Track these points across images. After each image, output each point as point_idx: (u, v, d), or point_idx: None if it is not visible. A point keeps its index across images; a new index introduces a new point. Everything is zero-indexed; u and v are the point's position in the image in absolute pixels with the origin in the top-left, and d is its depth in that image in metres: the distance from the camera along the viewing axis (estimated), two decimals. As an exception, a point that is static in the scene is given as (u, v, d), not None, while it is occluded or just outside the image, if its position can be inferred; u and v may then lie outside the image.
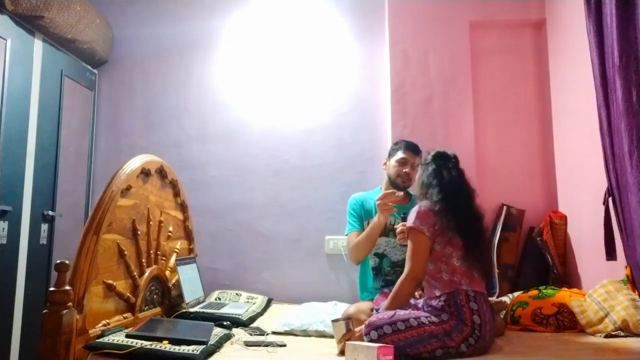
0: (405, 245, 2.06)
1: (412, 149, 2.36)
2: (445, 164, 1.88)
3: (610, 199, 2.03)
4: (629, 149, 1.79)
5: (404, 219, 2.04)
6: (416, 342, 1.60)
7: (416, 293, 1.96)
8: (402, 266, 2.28)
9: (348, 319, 1.78)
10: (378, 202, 2.19)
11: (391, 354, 1.46)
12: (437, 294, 1.71)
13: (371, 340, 1.61)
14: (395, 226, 2.15)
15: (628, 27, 1.81)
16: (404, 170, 2.34)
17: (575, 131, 2.65)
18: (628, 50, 1.81)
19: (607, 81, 1.96)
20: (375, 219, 2.25)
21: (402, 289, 1.78)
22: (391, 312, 1.68)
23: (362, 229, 2.37)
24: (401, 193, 2.21)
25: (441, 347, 1.60)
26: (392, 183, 2.37)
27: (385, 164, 2.46)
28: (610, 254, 2.06)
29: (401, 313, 1.67)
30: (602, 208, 2.11)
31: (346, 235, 2.45)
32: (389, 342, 1.57)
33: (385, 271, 2.32)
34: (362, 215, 2.41)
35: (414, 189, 2.49)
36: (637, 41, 1.78)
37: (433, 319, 1.64)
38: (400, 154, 2.36)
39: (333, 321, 1.78)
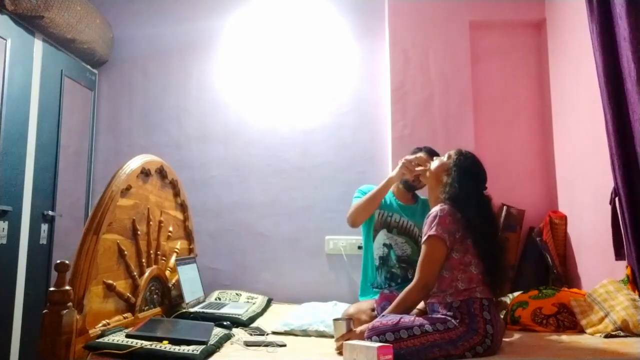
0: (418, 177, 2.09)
1: (431, 153, 2.34)
2: (482, 185, 1.86)
3: (616, 199, 2.03)
4: None
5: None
6: (418, 351, 1.57)
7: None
8: (406, 262, 2.29)
9: (349, 319, 1.77)
10: (404, 160, 2.20)
11: (391, 354, 1.44)
12: (449, 300, 1.66)
13: None
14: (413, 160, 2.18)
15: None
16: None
17: (576, 131, 2.65)
18: None
19: (613, 81, 1.94)
20: (389, 175, 2.25)
21: (409, 298, 1.71)
22: (396, 318, 1.64)
23: None
24: (428, 163, 2.16)
25: (444, 356, 1.58)
26: (404, 183, 2.37)
27: None
28: (619, 254, 2.05)
29: (406, 320, 1.62)
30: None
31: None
32: None
33: (392, 263, 2.32)
34: None
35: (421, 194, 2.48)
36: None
37: (438, 326, 1.60)
38: (420, 155, 2.35)
39: (334, 320, 1.77)
